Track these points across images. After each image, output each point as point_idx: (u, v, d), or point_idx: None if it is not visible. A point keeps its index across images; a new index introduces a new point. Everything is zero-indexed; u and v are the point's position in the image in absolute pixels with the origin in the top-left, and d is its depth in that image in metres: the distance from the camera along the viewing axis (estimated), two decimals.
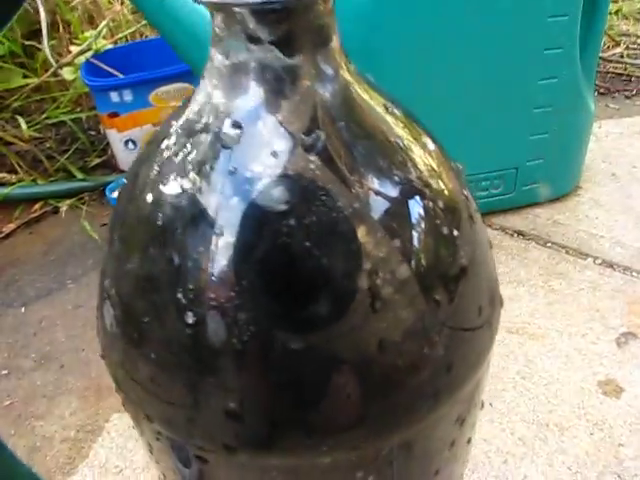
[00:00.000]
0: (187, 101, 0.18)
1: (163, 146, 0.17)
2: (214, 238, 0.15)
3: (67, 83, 0.90)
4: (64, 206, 0.78)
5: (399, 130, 0.18)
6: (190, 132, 0.16)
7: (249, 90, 0.15)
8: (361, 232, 0.15)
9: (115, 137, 0.80)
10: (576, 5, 0.61)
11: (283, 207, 0.15)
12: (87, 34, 0.89)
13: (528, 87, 0.63)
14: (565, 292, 0.62)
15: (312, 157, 0.15)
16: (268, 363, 0.15)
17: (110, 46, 0.88)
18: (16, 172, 0.82)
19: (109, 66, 0.84)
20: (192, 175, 0.16)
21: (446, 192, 0.18)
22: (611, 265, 0.65)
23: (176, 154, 0.16)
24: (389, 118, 0.17)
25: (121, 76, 0.83)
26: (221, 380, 0.15)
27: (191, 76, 0.77)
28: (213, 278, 0.15)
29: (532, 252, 0.67)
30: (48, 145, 0.89)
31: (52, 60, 0.85)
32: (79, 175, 0.83)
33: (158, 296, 0.16)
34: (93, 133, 0.93)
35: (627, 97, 1.02)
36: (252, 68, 0.15)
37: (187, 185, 0.16)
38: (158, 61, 0.82)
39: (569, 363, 0.54)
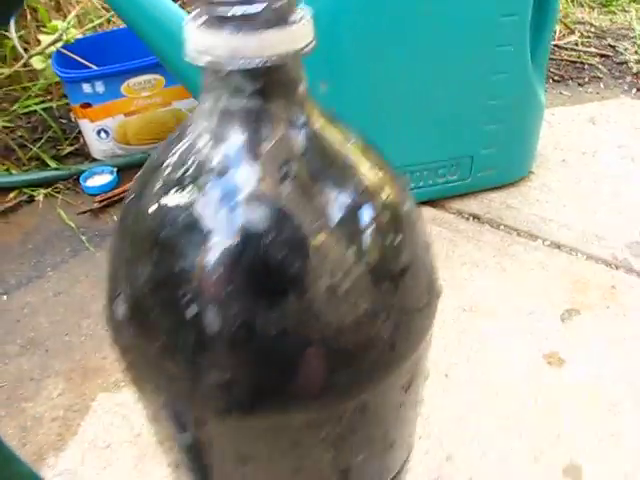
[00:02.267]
0: (180, 132, 0.21)
1: (165, 168, 0.21)
2: (210, 248, 0.19)
3: (37, 72, 0.91)
4: (39, 195, 0.80)
5: (356, 156, 0.22)
6: (187, 160, 0.20)
7: (235, 129, 0.20)
8: (324, 239, 0.20)
9: (88, 127, 0.82)
10: (525, 6, 0.66)
11: (265, 224, 0.19)
12: (55, 22, 0.90)
13: (482, 82, 0.68)
14: (516, 272, 0.67)
15: (286, 183, 0.19)
16: (253, 344, 0.19)
17: (80, 35, 0.89)
18: None
19: (79, 56, 0.85)
20: (191, 197, 0.20)
21: (392, 203, 0.22)
22: (558, 246, 0.71)
23: (177, 178, 0.20)
24: (348, 147, 0.22)
25: (92, 66, 0.84)
26: (217, 358, 0.20)
27: (162, 67, 0.79)
28: (211, 278, 0.19)
29: (486, 235, 0.73)
30: (20, 134, 0.90)
31: (21, 50, 0.86)
32: (52, 164, 0.84)
33: (166, 293, 0.20)
34: (64, 121, 0.94)
35: (579, 84, 1.08)
36: (237, 112, 0.19)
37: (187, 205, 0.20)
38: (129, 50, 0.84)
39: (518, 338, 0.60)
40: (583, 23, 1.27)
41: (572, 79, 1.09)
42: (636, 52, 1.16)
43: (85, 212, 0.77)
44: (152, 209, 0.20)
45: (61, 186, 0.82)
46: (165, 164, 0.21)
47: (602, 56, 1.15)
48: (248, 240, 0.19)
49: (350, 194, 0.21)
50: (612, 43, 1.20)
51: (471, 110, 0.70)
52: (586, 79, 1.09)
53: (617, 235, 0.72)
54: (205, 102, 0.20)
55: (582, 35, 1.23)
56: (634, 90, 1.05)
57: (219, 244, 0.19)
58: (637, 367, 0.57)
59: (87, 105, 0.80)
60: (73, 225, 0.75)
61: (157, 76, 0.80)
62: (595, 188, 0.81)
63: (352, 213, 0.20)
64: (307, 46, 0.20)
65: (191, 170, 0.20)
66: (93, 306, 0.65)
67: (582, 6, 1.36)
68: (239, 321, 0.19)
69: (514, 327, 0.61)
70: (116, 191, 0.78)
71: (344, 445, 0.23)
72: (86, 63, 0.85)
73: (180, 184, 0.20)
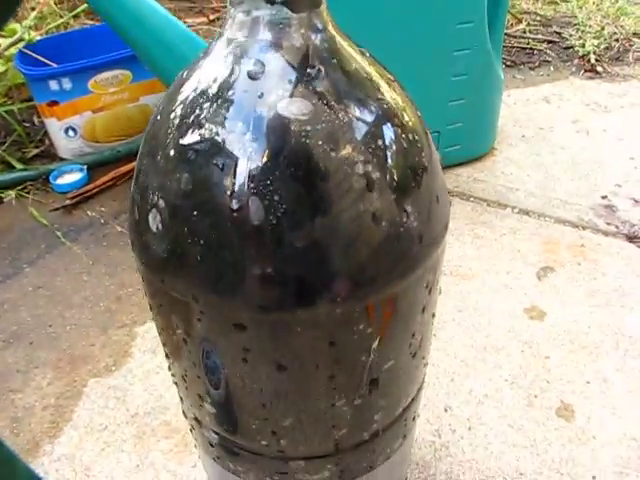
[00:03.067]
0: (206, 51, 0.23)
1: (199, 80, 0.22)
2: (250, 142, 0.20)
3: None
4: (8, 196, 0.79)
5: (371, 69, 0.23)
6: (223, 68, 0.21)
7: (265, 37, 0.21)
8: (357, 132, 0.21)
9: (55, 126, 0.81)
10: None
11: (301, 117, 0.20)
12: (12, 26, 0.89)
13: (445, 58, 0.71)
14: (489, 238, 0.70)
15: (315, 84, 0.21)
16: (294, 236, 0.20)
17: (39, 37, 0.89)
18: None
19: (41, 56, 0.85)
20: (228, 99, 0.21)
21: (407, 112, 0.24)
22: (527, 213, 0.74)
23: (211, 85, 0.21)
24: (364, 61, 0.23)
25: (55, 65, 0.84)
26: (259, 251, 0.20)
27: (128, 62, 0.80)
28: (253, 172, 0.20)
29: (457, 207, 0.75)
30: None
31: None
32: (19, 166, 0.83)
33: (208, 192, 0.21)
34: (27, 124, 0.93)
35: (531, 68, 1.13)
36: (267, 21, 0.21)
37: (225, 106, 0.21)
38: (91, 50, 0.84)
39: (498, 296, 0.62)
40: (529, 13, 1.33)
41: (524, 64, 1.14)
42: (580, 37, 1.22)
43: (58, 209, 0.76)
44: (190, 115, 0.21)
45: (30, 186, 0.81)
46: (197, 77, 0.22)
47: (549, 42, 1.21)
48: (283, 134, 0.20)
49: (376, 94, 0.22)
50: (557, 30, 1.26)
51: (437, 86, 0.72)
52: (537, 63, 1.14)
53: (580, 199, 0.76)
54: (235, 15, 0.21)
55: (529, 24, 1.28)
56: (582, 71, 1.11)
57: (256, 140, 0.20)
58: (612, 314, 0.59)
59: (54, 103, 0.79)
60: (46, 222, 0.74)
61: (124, 71, 0.80)
62: (555, 159, 0.85)
63: (382, 110, 0.22)
64: None
65: (226, 77, 0.21)
66: (75, 297, 0.64)
67: None
68: (280, 213, 0.20)
69: (494, 287, 0.63)
70: (88, 187, 0.78)
71: (375, 348, 0.24)
72: (49, 62, 0.84)
73: (215, 90, 0.21)
